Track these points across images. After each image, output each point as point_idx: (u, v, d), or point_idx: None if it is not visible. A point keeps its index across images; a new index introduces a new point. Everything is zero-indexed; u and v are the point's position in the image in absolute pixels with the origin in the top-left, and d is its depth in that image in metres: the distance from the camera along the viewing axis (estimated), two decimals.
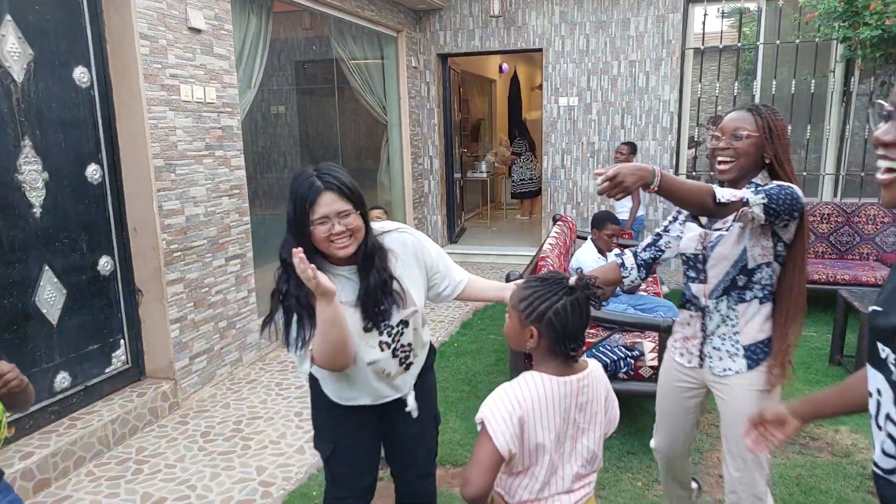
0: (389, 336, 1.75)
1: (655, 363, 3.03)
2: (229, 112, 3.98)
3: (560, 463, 1.45)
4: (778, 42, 5.98)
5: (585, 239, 4.25)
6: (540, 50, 6.90)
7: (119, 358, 3.47)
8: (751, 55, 6.27)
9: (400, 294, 1.72)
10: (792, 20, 5.81)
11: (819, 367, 4.02)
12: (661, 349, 2.95)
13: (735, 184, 1.89)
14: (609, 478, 2.80)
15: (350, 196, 1.61)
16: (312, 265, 1.47)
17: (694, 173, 6.68)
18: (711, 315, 1.92)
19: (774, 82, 5.99)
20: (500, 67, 11.12)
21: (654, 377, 3.02)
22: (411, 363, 1.86)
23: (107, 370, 3.36)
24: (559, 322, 1.37)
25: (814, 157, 6.18)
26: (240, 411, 3.62)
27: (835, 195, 6.14)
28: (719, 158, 1.89)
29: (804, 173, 6.08)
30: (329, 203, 1.58)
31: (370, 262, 1.67)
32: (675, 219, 2.10)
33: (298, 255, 1.46)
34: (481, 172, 9.43)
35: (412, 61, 7.08)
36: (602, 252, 3.79)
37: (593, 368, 1.48)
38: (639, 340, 3.24)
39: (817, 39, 5.70)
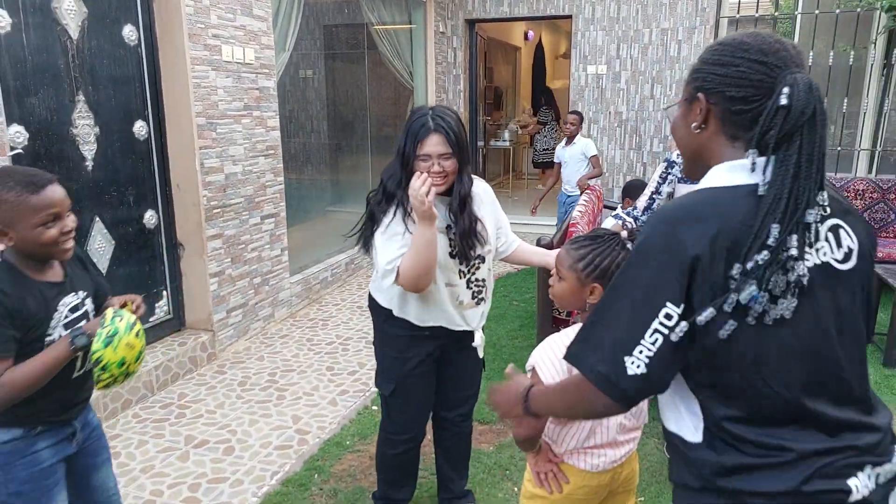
0: (467, 267, 2.00)
1: None
2: (266, 73, 4.12)
3: None
4: (817, 12, 5.95)
5: (613, 209, 4.36)
6: (569, 17, 6.91)
7: (162, 308, 3.68)
8: (788, 26, 6.24)
9: (483, 234, 1.98)
10: None
11: None
12: None
13: None
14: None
15: (455, 141, 1.84)
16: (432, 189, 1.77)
17: None
18: None
19: (812, 53, 5.98)
20: (526, 35, 11.09)
21: None
22: (483, 298, 2.08)
23: (150, 319, 3.57)
24: None
25: (848, 133, 6.19)
26: (273, 364, 3.83)
27: (869, 171, 6.16)
28: None
29: (838, 149, 6.10)
30: (434, 144, 1.83)
31: (464, 204, 1.92)
32: (665, 179, 2.21)
33: (423, 177, 1.77)
34: (504, 141, 9.50)
35: (440, 26, 7.13)
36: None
37: None
38: None
39: (859, 9, 5.67)
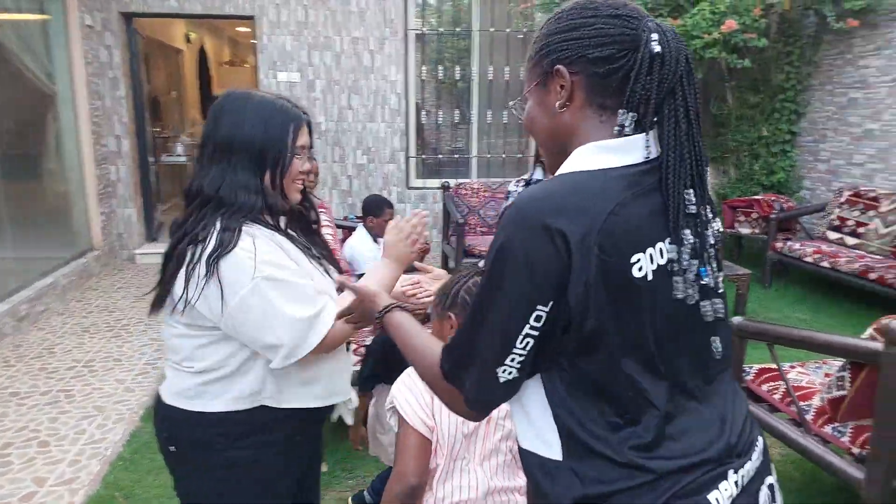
0: None
1: None
2: None
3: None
4: (492, 29, 6.54)
5: (349, 228, 4.07)
6: (251, 18, 6.38)
7: None
8: (467, 42, 6.73)
9: None
10: (507, 10, 6.41)
11: None
12: None
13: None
14: None
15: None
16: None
17: (423, 156, 6.96)
18: None
19: (491, 68, 6.55)
20: (187, 37, 10.06)
21: None
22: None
23: None
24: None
25: (523, 140, 6.97)
26: None
27: (543, 175, 7.03)
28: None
29: (519, 155, 6.82)
30: (307, 135, 1.53)
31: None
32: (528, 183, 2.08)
33: (420, 214, 1.55)
34: (178, 155, 8.41)
35: (86, 19, 5.89)
36: (376, 239, 3.66)
37: None
38: None
39: (524, 29, 6.39)
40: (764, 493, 0.98)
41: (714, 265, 0.96)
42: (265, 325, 1.29)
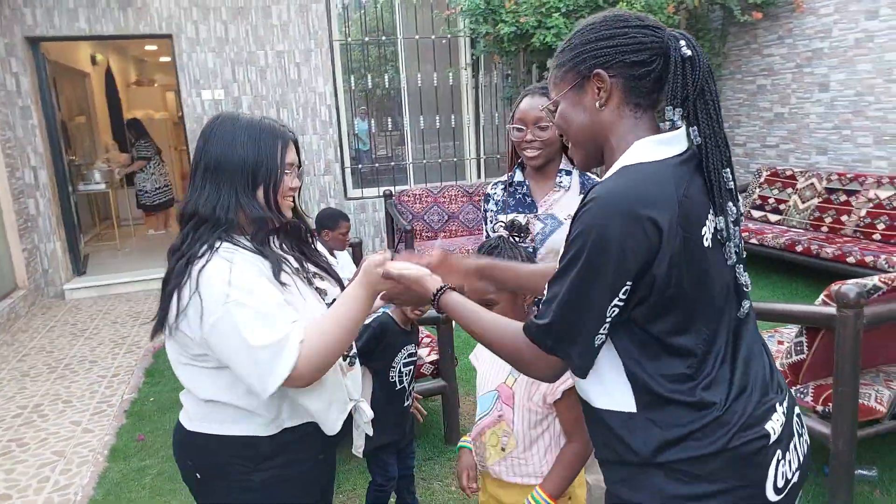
0: None
1: (435, 358, 3.06)
2: None
3: None
4: (417, 37, 6.62)
5: None
6: (169, 36, 6.19)
7: None
8: (393, 49, 6.78)
9: None
10: (431, 16, 6.50)
11: None
12: (440, 343, 3.00)
13: (544, 168, 2.04)
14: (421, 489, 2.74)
15: None
16: None
17: (359, 165, 6.94)
18: None
19: (419, 74, 6.63)
20: (93, 58, 9.61)
21: (436, 373, 3.06)
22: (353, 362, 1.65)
23: None
24: None
25: (458, 144, 7.08)
26: None
27: (479, 177, 7.14)
28: (527, 149, 1.98)
29: (454, 159, 6.93)
30: (294, 153, 1.55)
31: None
32: (486, 218, 2.13)
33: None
34: (97, 183, 8.03)
35: None
36: (333, 252, 3.63)
37: None
38: None
39: (448, 35, 6.50)
40: (795, 420, 1.16)
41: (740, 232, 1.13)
42: (234, 353, 1.28)
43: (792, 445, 1.12)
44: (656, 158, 1.06)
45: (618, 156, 1.11)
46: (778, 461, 1.08)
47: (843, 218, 5.00)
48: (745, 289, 1.12)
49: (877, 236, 4.72)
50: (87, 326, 5.22)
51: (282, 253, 1.47)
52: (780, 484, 1.08)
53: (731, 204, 1.08)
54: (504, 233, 1.75)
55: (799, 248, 4.84)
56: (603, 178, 1.08)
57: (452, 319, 1.32)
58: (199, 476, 1.44)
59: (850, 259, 4.49)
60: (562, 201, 2.01)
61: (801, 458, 1.14)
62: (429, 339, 3.22)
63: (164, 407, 3.70)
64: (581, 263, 1.02)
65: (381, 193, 6.31)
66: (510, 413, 1.60)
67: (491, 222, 2.09)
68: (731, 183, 1.08)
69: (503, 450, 1.61)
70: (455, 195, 6.01)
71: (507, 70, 6.69)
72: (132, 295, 6.14)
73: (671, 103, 1.07)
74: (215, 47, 6.26)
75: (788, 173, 5.57)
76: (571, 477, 1.55)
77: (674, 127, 1.09)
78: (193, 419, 1.43)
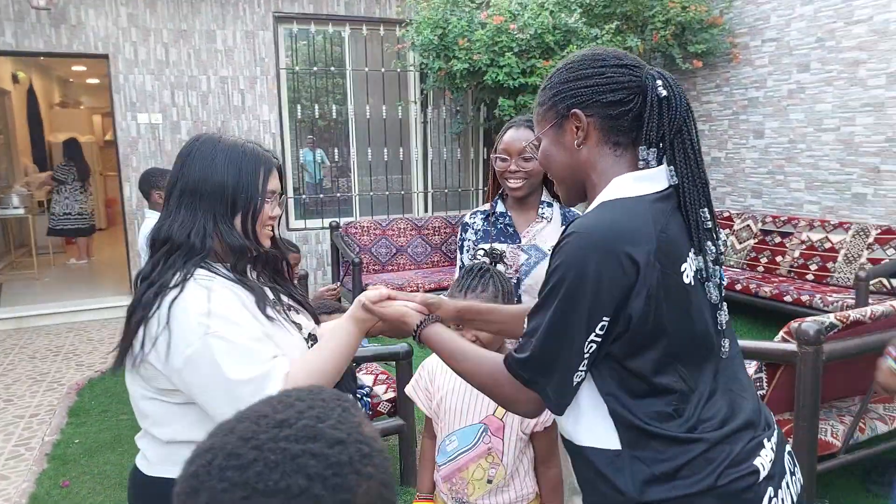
0: None
1: (392, 395, 2.98)
2: None
3: None
4: (367, 69, 6.62)
5: None
6: (106, 56, 5.96)
7: None
8: (341, 80, 6.75)
9: None
10: (382, 49, 6.53)
11: None
12: (399, 380, 2.92)
13: (527, 199, 2.04)
14: None
15: None
16: None
17: (304, 196, 6.81)
18: None
19: (368, 107, 6.61)
20: (15, 77, 9.15)
21: (393, 411, 2.97)
22: None
23: None
24: None
25: (406, 178, 7.07)
26: None
27: (426, 210, 7.12)
28: (511, 179, 1.99)
29: (402, 191, 6.91)
30: (277, 178, 1.47)
31: None
32: (462, 248, 2.10)
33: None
34: (15, 208, 7.56)
35: None
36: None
37: None
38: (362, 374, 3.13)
39: (399, 69, 6.54)
40: (787, 458, 1.15)
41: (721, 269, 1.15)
42: (210, 388, 1.21)
43: (784, 483, 1.11)
44: (636, 194, 1.08)
45: (598, 192, 1.14)
46: (770, 498, 1.07)
47: (778, 258, 5.25)
48: (721, 328, 1.13)
49: (810, 276, 4.97)
50: (0, 361, 4.83)
51: (259, 284, 1.39)
52: None
53: (709, 243, 1.09)
54: (485, 260, 1.72)
55: (738, 287, 5.03)
56: (583, 214, 1.10)
57: (433, 351, 1.32)
58: None
59: (787, 298, 4.69)
60: (544, 232, 2.03)
61: (795, 498, 1.14)
62: (385, 377, 3.12)
63: (91, 449, 3.43)
64: (559, 297, 1.04)
65: (327, 225, 6.20)
66: (500, 444, 1.59)
67: (467, 251, 2.06)
68: (710, 222, 1.10)
69: (489, 482, 1.59)
70: (404, 228, 5.97)
71: (456, 107, 6.77)
72: (52, 328, 5.73)
73: (646, 143, 1.09)
74: (154, 70, 6.07)
75: (726, 215, 5.82)
76: (563, 499, 1.62)
77: (648, 166, 1.11)
78: (154, 463, 1.32)
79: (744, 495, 1.05)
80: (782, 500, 1.09)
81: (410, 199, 7.07)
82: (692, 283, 1.07)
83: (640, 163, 1.11)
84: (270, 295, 1.41)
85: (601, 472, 1.09)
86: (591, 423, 1.10)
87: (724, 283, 1.15)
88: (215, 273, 1.29)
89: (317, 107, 6.64)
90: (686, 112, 1.09)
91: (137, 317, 1.24)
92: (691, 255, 1.08)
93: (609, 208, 1.08)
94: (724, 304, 1.14)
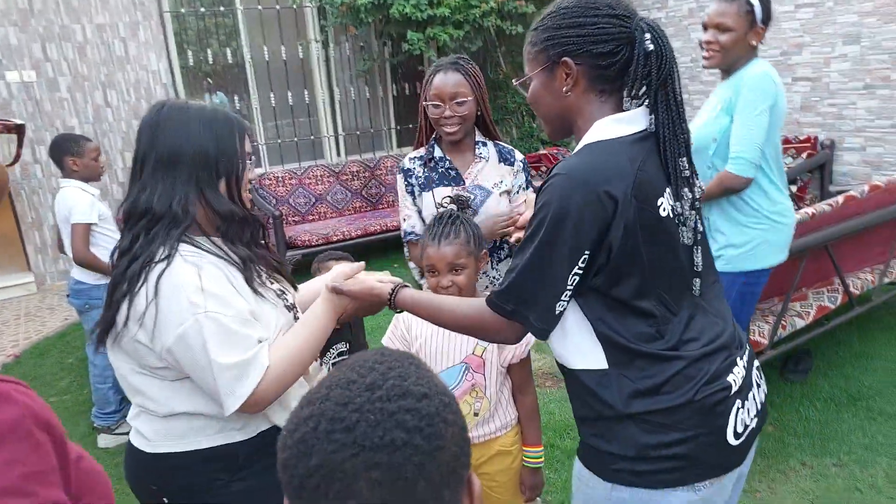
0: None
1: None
2: None
3: None
4: (260, 7, 6.23)
5: None
6: None
7: None
8: (231, 20, 6.33)
9: None
10: None
11: None
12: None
13: (462, 141, 2.04)
14: None
15: None
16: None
17: None
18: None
19: (266, 48, 6.26)
20: None
21: None
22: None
23: None
24: None
25: (313, 120, 6.82)
26: None
27: (338, 155, 6.94)
28: (446, 125, 1.97)
29: (311, 136, 6.68)
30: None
31: None
32: (412, 193, 2.07)
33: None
34: None
35: None
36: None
37: None
38: None
39: (295, 6, 6.20)
40: (754, 372, 1.29)
41: (701, 215, 1.25)
42: (198, 367, 1.20)
43: (751, 395, 1.24)
44: (615, 136, 1.16)
45: (583, 134, 1.21)
46: (738, 409, 1.20)
47: None
48: (696, 269, 1.22)
49: None
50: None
51: (248, 256, 1.35)
52: (740, 429, 1.20)
53: (686, 189, 1.18)
54: (452, 207, 1.74)
55: None
56: (567, 156, 1.18)
57: (412, 313, 1.39)
58: (166, 501, 1.31)
59: None
60: (485, 171, 2.05)
61: (759, 406, 1.27)
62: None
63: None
64: (543, 233, 1.12)
65: None
66: (482, 380, 1.70)
67: (416, 197, 2.04)
68: (688, 171, 1.18)
69: (476, 415, 1.71)
70: (320, 175, 5.80)
71: (360, 43, 6.53)
72: None
73: (629, 94, 1.17)
74: (17, 21, 5.46)
75: None
76: (539, 423, 1.79)
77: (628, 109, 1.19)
78: (153, 440, 1.31)
79: (717, 408, 1.17)
80: (748, 409, 1.23)
81: (321, 143, 6.85)
82: (670, 217, 1.16)
83: (624, 108, 1.20)
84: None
85: (590, 389, 1.19)
86: (579, 345, 1.19)
87: (701, 228, 1.23)
88: (200, 248, 1.27)
89: (209, 52, 6.22)
90: (671, 65, 1.14)
91: (122, 291, 1.21)
92: (668, 192, 1.16)
93: (590, 150, 1.16)
94: (700, 247, 1.22)
